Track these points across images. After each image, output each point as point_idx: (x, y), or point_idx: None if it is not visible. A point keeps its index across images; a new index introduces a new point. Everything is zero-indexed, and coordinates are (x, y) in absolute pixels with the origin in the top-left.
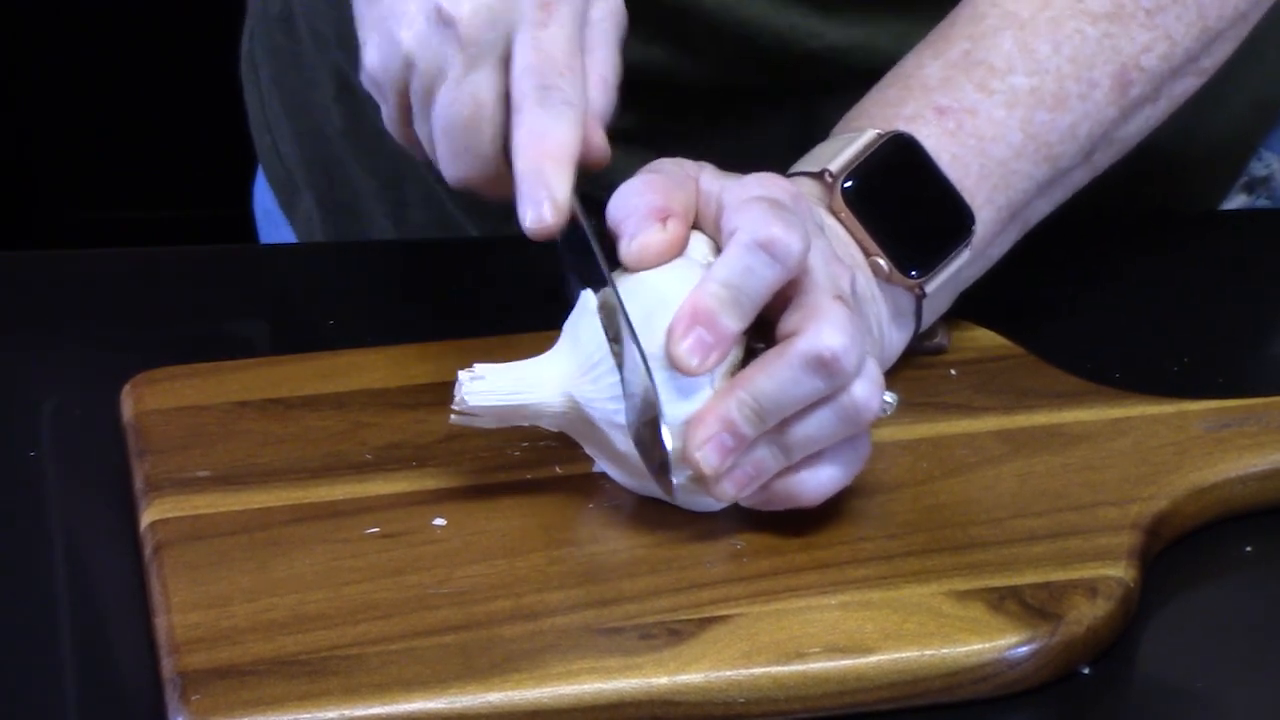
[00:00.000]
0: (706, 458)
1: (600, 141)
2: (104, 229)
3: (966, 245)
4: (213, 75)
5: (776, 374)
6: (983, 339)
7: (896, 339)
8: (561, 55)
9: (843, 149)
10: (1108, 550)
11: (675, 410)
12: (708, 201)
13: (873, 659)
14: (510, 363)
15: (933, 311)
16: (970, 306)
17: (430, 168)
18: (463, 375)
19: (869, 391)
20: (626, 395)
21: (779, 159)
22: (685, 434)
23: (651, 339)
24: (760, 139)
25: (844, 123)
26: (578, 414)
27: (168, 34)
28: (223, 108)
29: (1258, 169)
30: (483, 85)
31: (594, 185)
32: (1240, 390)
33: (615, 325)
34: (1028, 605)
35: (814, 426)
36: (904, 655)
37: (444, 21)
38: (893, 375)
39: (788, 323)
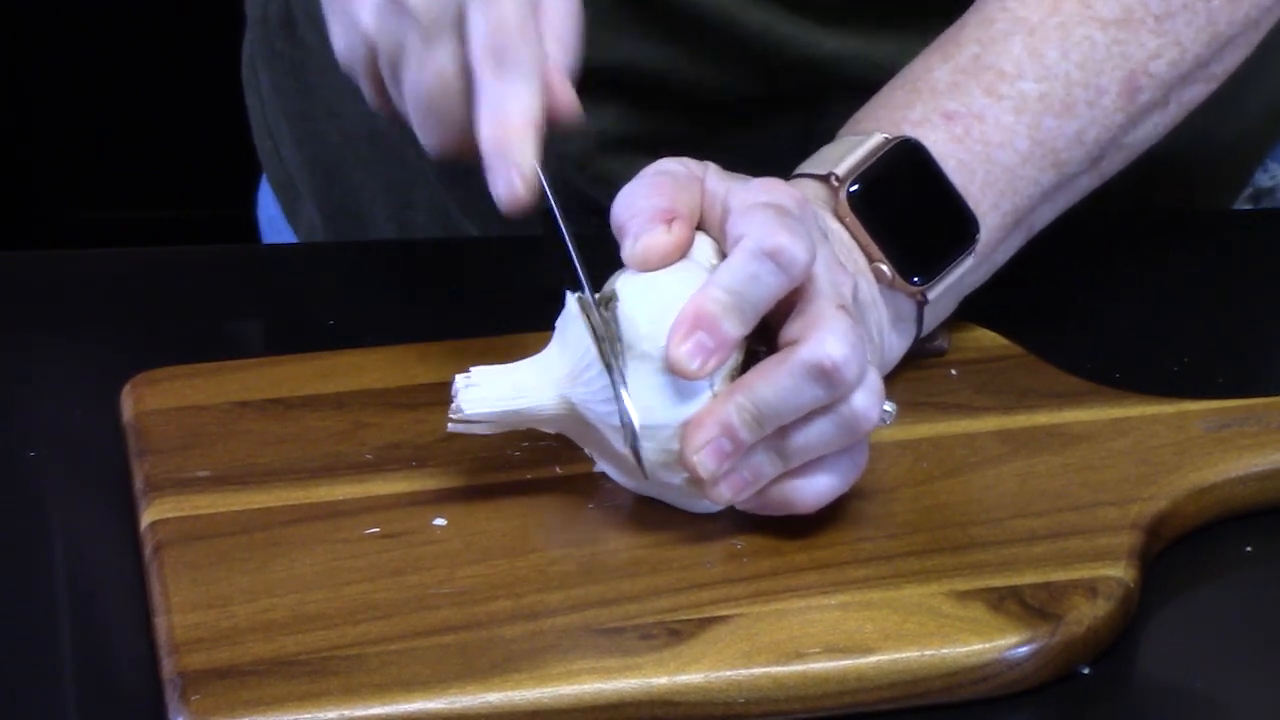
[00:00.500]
0: (704, 461)
1: (567, 97)
2: (104, 229)
3: (970, 253)
4: (213, 75)
5: (777, 381)
6: (983, 339)
7: (897, 344)
8: (513, 20)
9: (849, 152)
10: (1108, 550)
11: (674, 413)
12: (712, 203)
13: (873, 659)
14: (504, 365)
15: (935, 317)
16: (970, 307)
17: (435, 170)
18: (459, 381)
19: (869, 402)
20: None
21: (779, 164)
22: (683, 437)
23: (653, 340)
24: (760, 145)
25: (850, 125)
26: (574, 415)
27: (168, 34)
28: (224, 108)
29: (1263, 180)
30: (443, 58)
31: (595, 186)
32: (1240, 390)
33: (604, 324)
34: (1028, 605)
35: (813, 435)
36: (904, 655)
37: (396, 3)
38: (892, 376)
39: (790, 330)
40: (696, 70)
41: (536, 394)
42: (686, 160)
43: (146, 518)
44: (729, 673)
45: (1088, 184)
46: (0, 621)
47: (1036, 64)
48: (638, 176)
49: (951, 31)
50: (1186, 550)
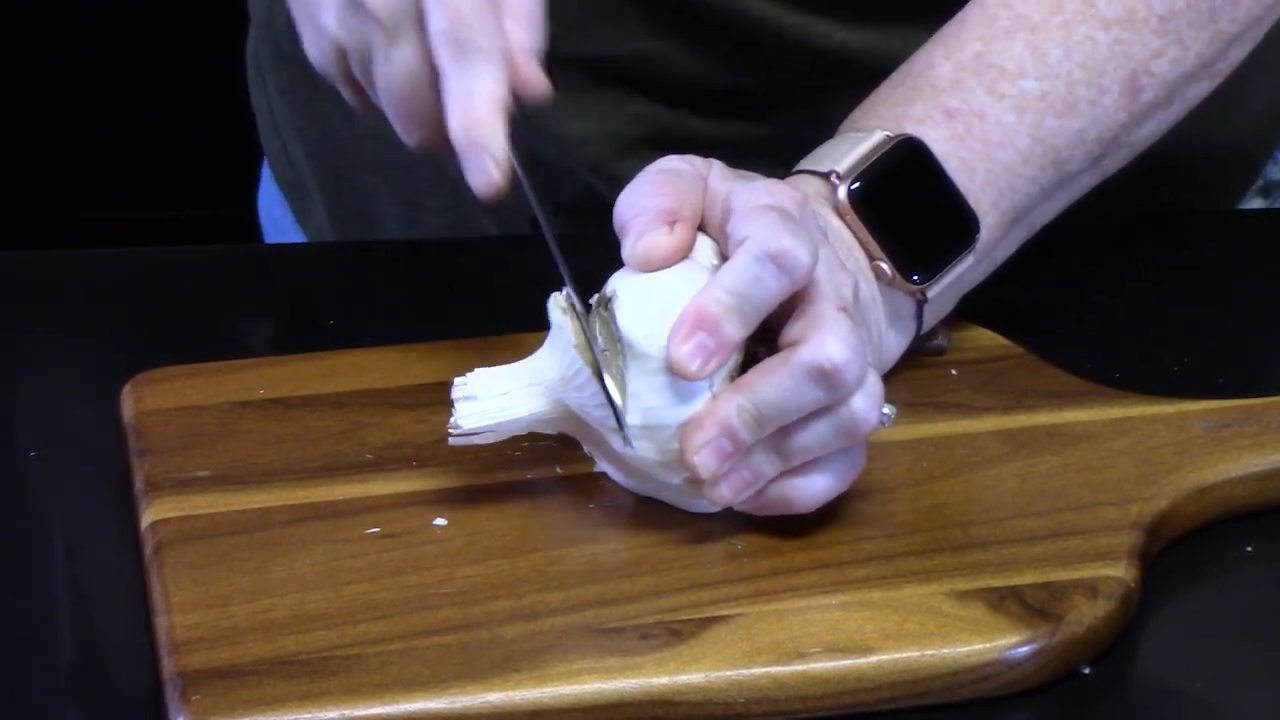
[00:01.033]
0: (704, 462)
1: (534, 76)
2: (104, 229)
3: (970, 251)
4: (214, 75)
5: (777, 382)
6: (983, 339)
7: (896, 343)
8: (469, 9)
9: (850, 150)
10: (1108, 550)
11: (674, 413)
12: (714, 203)
13: (873, 659)
14: (499, 369)
15: (934, 315)
16: (970, 306)
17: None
18: (456, 389)
19: (868, 404)
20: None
21: (786, 156)
22: (683, 437)
23: (653, 341)
24: (768, 137)
25: (851, 121)
26: (573, 418)
27: (169, 34)
28: (224, 108)
29: (1273, 172)
30: (408, 55)
31: (611, 189)
32: (1240, 390)
33: (587, 325)
34: (1028, 605)
35: (812, 436)
36: (904, 655)
37: (354, 3)
38: (892, 375)
39: (791, 331)
40: (706, 62)
41: (531, 402)
42: (691, 158)
43: (146, 518)
44: (729, 673)
45: (1089, 182)
46: (0, 621)
47: (1039, 63)
48: (641, 174)
49: (952, 27)
50: (1186, 550)
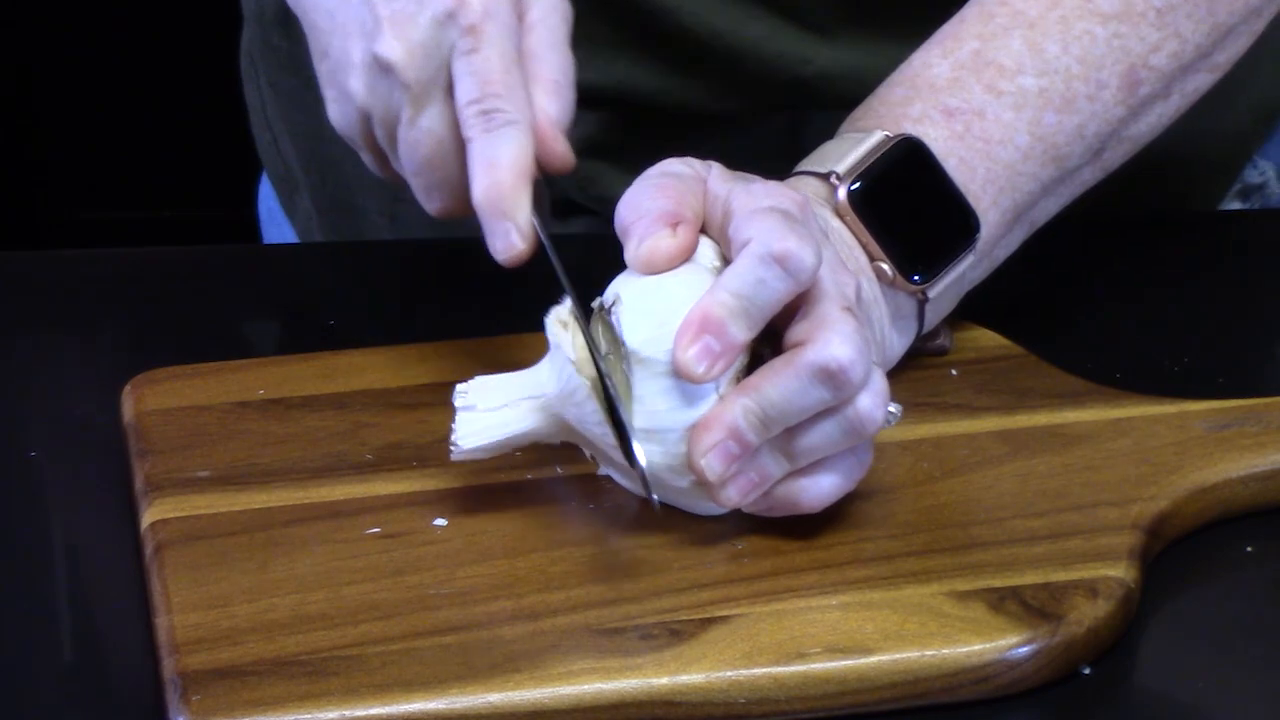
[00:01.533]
0: (710, 464)
1: (559, 147)
2: (104, 229)
3: (971, 250)
4: (214, 75)
5: (783, 383)
6: (983, 339)
7: (898, 342)
8: (497, 76)
9: (849, 150)
10: (1108, 550)
11: (680, 416)
12: (714, 205)
13: (873, 659)
14: (500, 378)
15: (936, 314)
16: (970, 306)
17: None
18: (457, 398)
19: (874, 404)
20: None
21: (764, 166)
22: (690, 440)
23: (657, 344)
24: (746, 148)
25: (850, 122)
26: (573, 432)
27: (169, 34)
28: (224, 108)
29: (1252, 176)
30: (435, 121)
31: (578, 190)
32: (1240, 390)
33: (605, 339)
34: (1028, 605)
35: (818, 436)
36: (904, 655)
37: (383, 68)
38: (893, 375)
39: (795, 332)
40: (684, 86)
41: (530, 418)
42: (691, 160)
43: (147, 518)
44: (729, 673)
45: (1090, 177)
46: (0, 622)
47: (1037, 59)
48: (642, 177)
49: (950, 26)
50: (1186, 550)
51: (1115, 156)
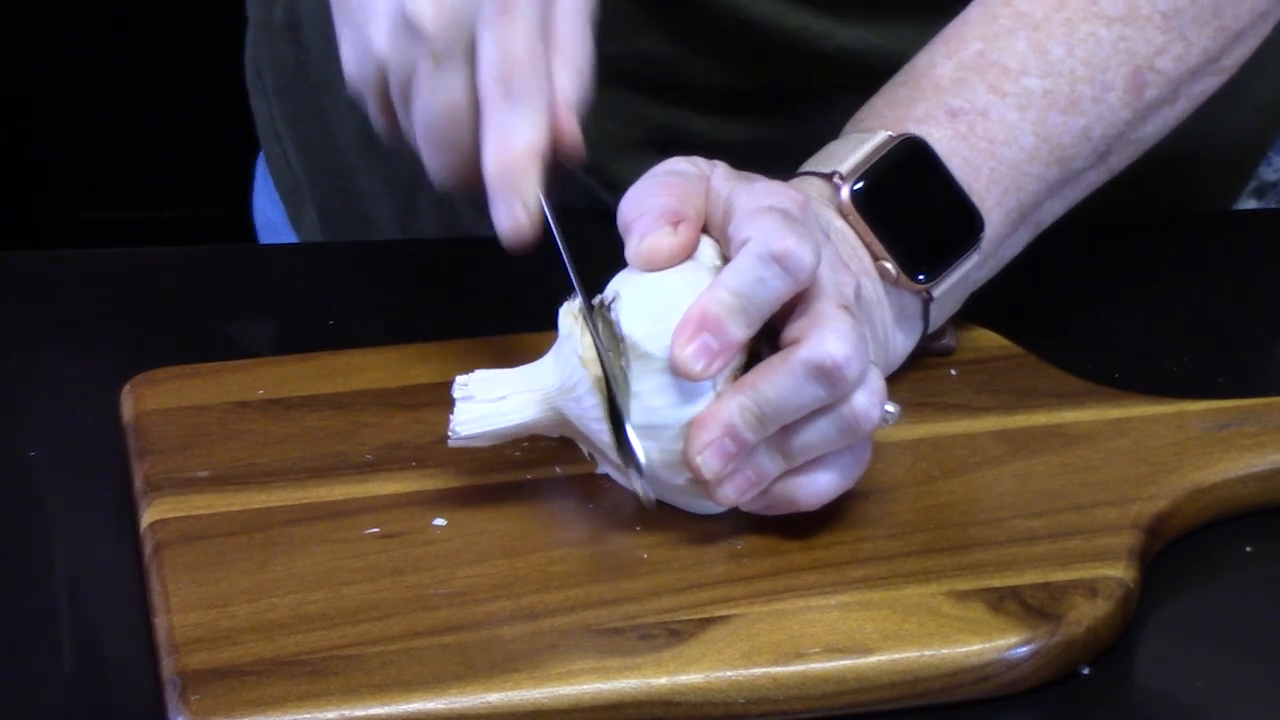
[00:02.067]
0: (707, 462)
1: (572, 130)
2: (104, 229)
3: (975, 250)
4: (214, 75)
5: (779, 380)
6: (983, 339)
7: (902, 342)
8: (523, 51)
9: (853, 150)
10: (1108, 550)
11: (677, 413)
12: (716, 203)
13: (873, 659)
14: (500, 372)
15: (941, 314)
16: (970, 306)
17: None
18: (456, 389)
19: (870, 402)
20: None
21: (787, 160)
22: (686, 437)
23: (655, 340)
24: (770, 139)
25: (854, 122)
26: (571, 427)
27: (169, 34)
28: (224, 108)
29: (1267, 174)
30: (454, 85)
31: (605, 190)
32: (1240, 390)
33: (605, 336)
34: (1028, 605)
35: (814, 434)
36: (904, 655)
37: (409, 25)
38: (893, 376)
39: (792, 330)
40: (707, 63)
41: (530, 409)
42: (695, 159)
43: (146, 518)
44: (729, 673)
45: (1096, 179)
46: (0, 621)
47: (1041, 60)
48: (646, 175)
49: (955, 26)
50: (1186, 550)
51: (1121, 159)
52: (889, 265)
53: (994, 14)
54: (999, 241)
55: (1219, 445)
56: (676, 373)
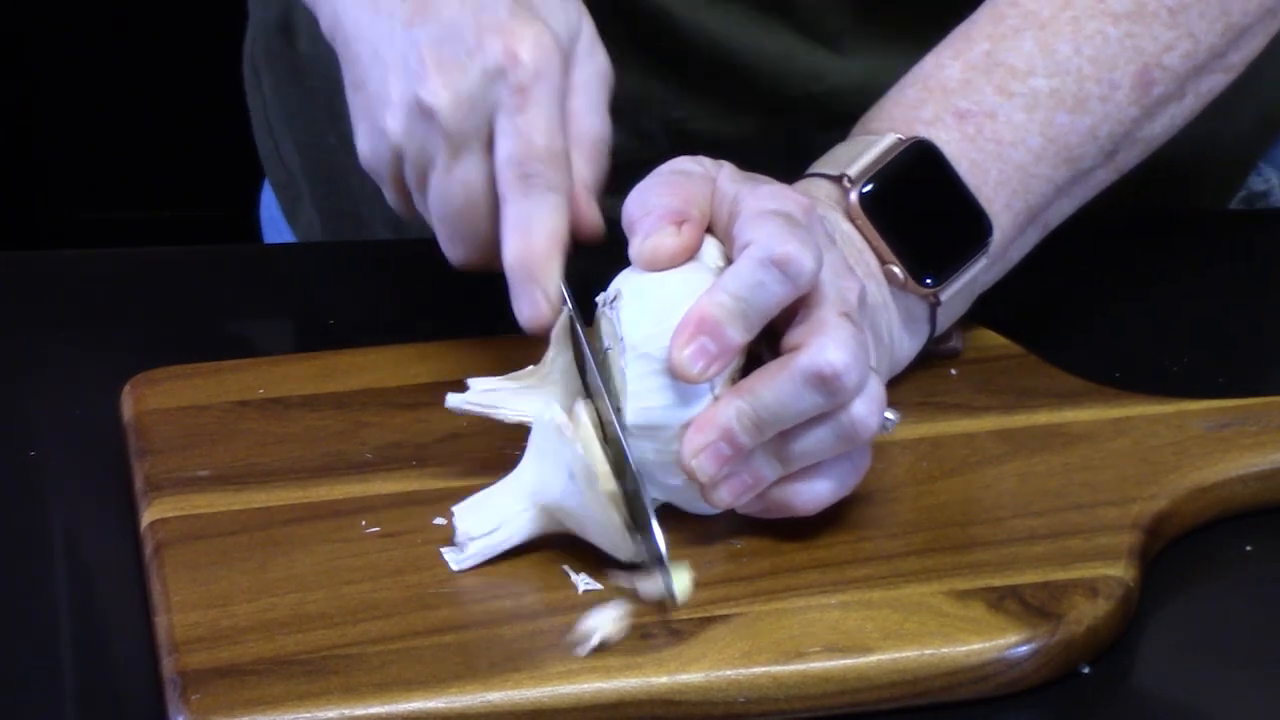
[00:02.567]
0: (702, 465)
1: (593, 216)
2: (104, 229)
3: (984, 253)
4: (216, 76)
5: (777, 386)
6: (983, 339)
7: (909, 346)
8: (542, 140)
9: (861, 153)
10: (1108, 550)
11: (675, 414)
12: (721, 204)
13: (873, 658)
14: (487, 497)
15: (948, 317)
16: (971, 306)
17: None
18: (455, 518)
19: (869, 410)
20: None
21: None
22: (682, 439)
23: (655, 340)
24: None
25: (862, 124)
26: (572, 526)
27: (170, 34)
28: (225, 108)
29: (1257, 184)
30: (471, 173)
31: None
32: (1240, 390)
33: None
34: (1028, 605)
35: (812, 441)
36: (904, 655)
37: (425, 112)
38: (896, 377)
39: (792, 336)
40: (694, 102)
41: (525, 529)
42: (702, 159)
43: (146, 517)
44: (729, 672)
45: (1104, 178)
46: (0, 621)
47: (1048, 60)
48: (653, 173)
49: (962, 27)
50: (1186, 550)
51: (1129, 158)
52: (896, 269)
53: (1001, 14)
54: (1007, 244)
55: (1219, 445)
56: (674, 374)
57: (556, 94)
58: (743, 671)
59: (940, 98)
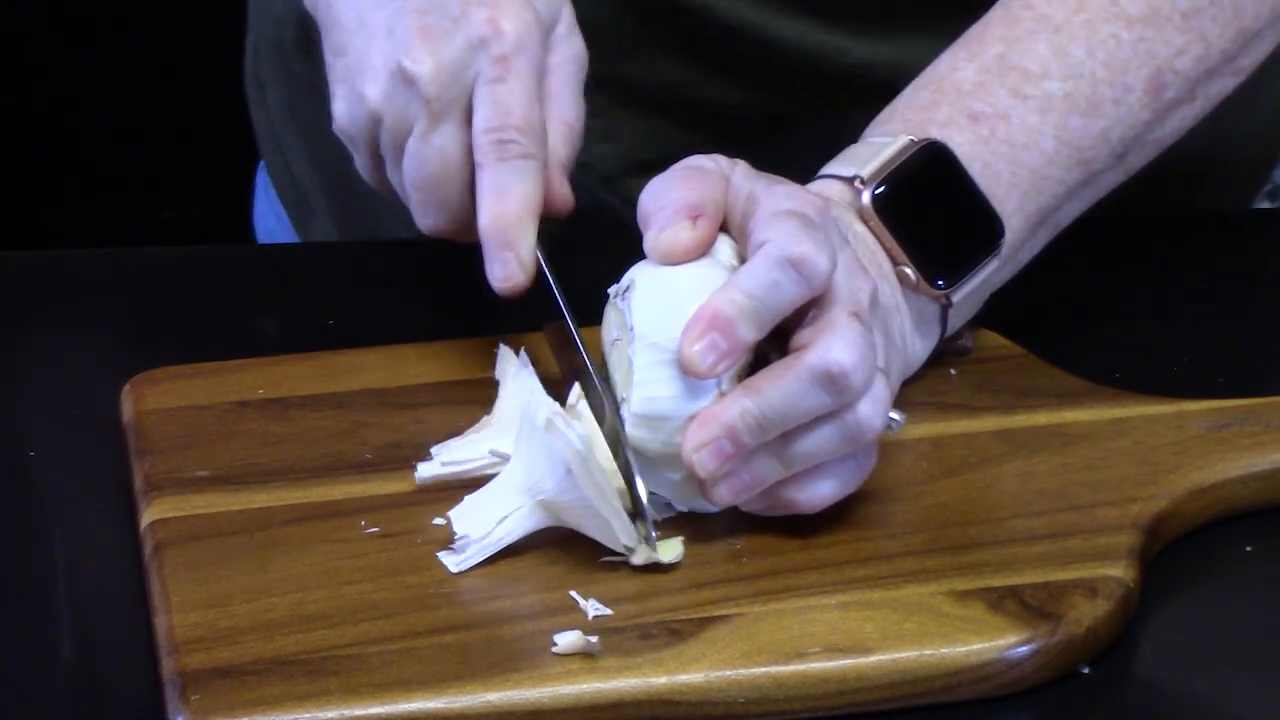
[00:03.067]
0: (703, 461)
1: (564, 191)
2: (104, 229)
3: (995, 256)
4: (215, 74)
5: (784, 385)
6: (982, 339)
7: (920, 347)
8: (519, 110)
9: (875, 154)
10: (1108, 550)
11: (680, 406)
12: (735, 201)
13: (873, 659)
14: (483, 496)
15: (959, 318)
16: None
17: None
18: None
19: (874, 411)
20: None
21: (807, 173)
22: (686, 433)
23: (665, 332)
24: (789, 156)
25: (876, 125)
26: (568, 517)
27: (169, 34)
28: (225, 108)
29: None
30: (448, 141)
31: (622, 205)
32: (1240, 390)
33: (611, 316)
34: (1028, 605)
35: (816, 442)
36: (904, 655)
37: (406, 79)
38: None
39: (801, 336)
40: (724, 83)
41: (524, 524)
42: (717, 157)
43: (146, 518)
44: (729, 672)
45: (1113, 180)
46: (0, 621)
47: (1062, 63)
48: (669, 169)
49: (976, 29)
50: (1186, 550)
51: (1139, 160)
52: (909, 271)
53: (1015, 16)
54: (1018, 246)
55: (1219, 445)
56: (683, 368)
57: (535, 68)
58: (742, 672)
59: (954, 99)
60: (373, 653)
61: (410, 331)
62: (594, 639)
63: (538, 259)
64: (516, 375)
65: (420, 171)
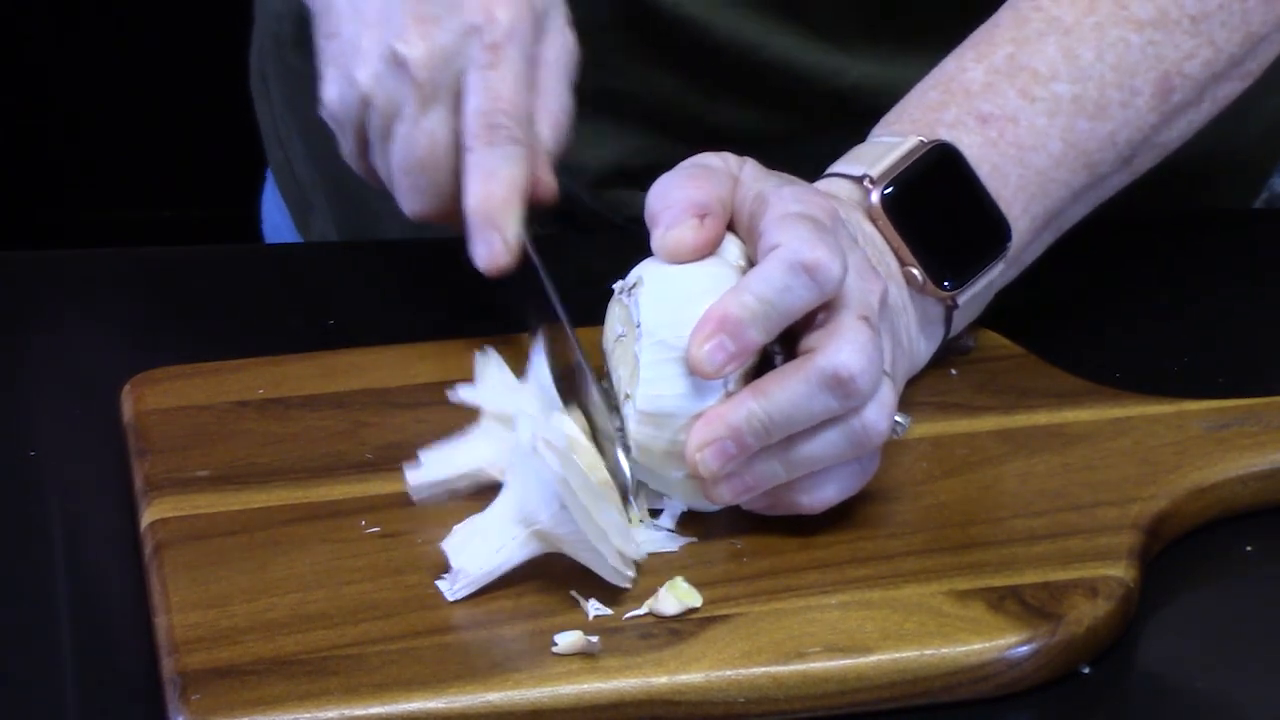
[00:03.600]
0: (705, 460)
1: (549, 179)
2: (105, 229)
3: (1001, 258)
4: (217, 75)
5: (791, 388)
6: (983, 339)
7: (925, 347)
8: (509, 95)
9: (884, 155)
10: (1108, 550)
11: (685, 405)
12: (744, 200)
13: (873, 659)
14: (481, 521)
15: (964, 319)
16: None
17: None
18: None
19: (879, 415)
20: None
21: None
22: (691, 431)
23: (672, 330)
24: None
25: (883, 124)
26: (562, 545)
27: (172, 33)
28: (227, 108)
29: (1279, 185)
30: (437, 125)
31: (609, 209)
32: (1240, 390)
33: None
34: (1028, 605)
35: (821, 445)
36: (904, 655)
37: (398, 63)
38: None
39: (810, 338)
40: (716, 101)
41: (519, 552)
42: (725, 155)
43: (146, 517)
44: (729, 672)
45: (1119, 182)
46: (0, 621)
47: (1071, 65)
48: (677, 167)
49: (984, 30)
50: (1186, 550)
51: (1144, 163)
52: (916, 271)
53: (1024, 18)
54: (1024, 248)
55: (1219, 445)
56: (691, 368)
57: (525, 57)
58: (742, 671)
59: (963, 100)
60: (373, 653)
61: (410, 331)
62: (594, 639)
63: (530, 256)
64: (503, 384)
65: (409, 155)
